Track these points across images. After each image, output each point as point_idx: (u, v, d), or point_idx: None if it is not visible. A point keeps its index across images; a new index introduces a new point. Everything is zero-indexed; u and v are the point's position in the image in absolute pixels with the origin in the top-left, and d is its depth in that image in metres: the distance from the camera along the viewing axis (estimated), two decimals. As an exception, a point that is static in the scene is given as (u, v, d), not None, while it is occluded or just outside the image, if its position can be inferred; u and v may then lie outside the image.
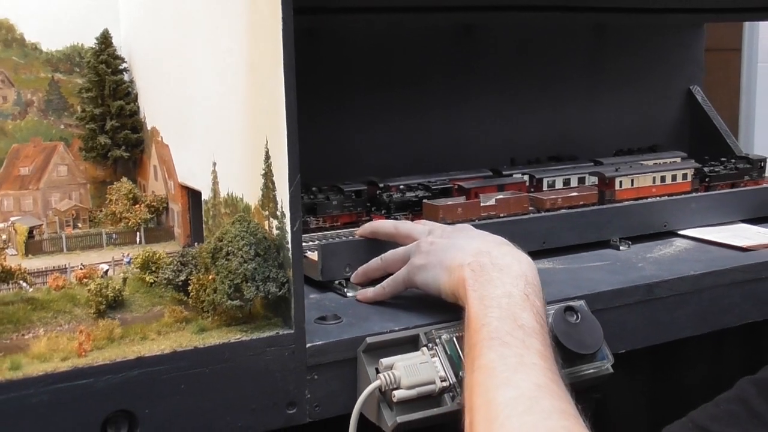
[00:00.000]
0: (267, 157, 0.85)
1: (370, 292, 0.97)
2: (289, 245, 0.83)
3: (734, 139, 1.60)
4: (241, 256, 0.82)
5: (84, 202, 1.16)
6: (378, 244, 1.03)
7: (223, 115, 0.94)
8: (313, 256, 1.02)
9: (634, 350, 1.05)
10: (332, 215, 1.17)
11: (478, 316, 0.81)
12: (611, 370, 0.95)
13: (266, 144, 0.85)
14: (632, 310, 1.05)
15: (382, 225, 1.03)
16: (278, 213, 0.84)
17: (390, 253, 0.98)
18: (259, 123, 0.86)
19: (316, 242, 1.07)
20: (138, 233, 1.05)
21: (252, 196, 0.89)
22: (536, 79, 1.51)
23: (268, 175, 0.86)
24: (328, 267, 1.01)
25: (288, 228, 0.83)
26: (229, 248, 0.83)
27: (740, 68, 2.31)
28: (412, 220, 1.15)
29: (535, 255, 0.97)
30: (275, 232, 0.85)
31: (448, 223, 1.10)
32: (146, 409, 0.78)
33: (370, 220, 1.17)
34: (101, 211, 1.12)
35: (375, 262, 1.00)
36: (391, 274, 0.96)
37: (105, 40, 1.13)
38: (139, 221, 1.07)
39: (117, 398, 0.77)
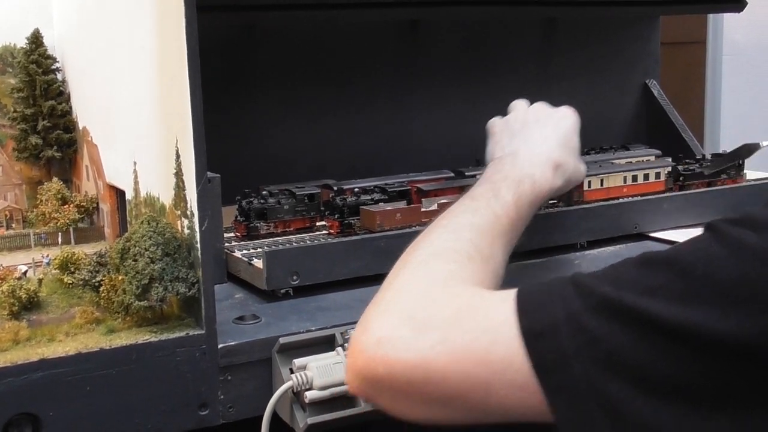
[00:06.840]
0: (177, 155, 0.84)
1: None
2: (198, 244, 0.82)
3: (691, 134, 1.58)
4: (148, 257, 0.81)
5: (19, 203, 1.15)
6: (326, 250, 1.00)
7: (140, 113, 0.93)
8: (258, 264, 0.99)
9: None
10: (284, 220, 1.13)
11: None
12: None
13: (176, 143, 0.84)
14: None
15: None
16: (188, 212, 0.84)
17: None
18: (170, 122, 0.86)
19: (262, 249, 1.02)
20: (59, 234, 1.04)
21: (167, 196, 0.89)
22: (486, 76, 1.49)
23: (179, 174, 0.85)
24: (274, 275, 0.97)
25: (197, 227, 0.82)
26: (137, 248, 0.82)
27: (705, 61, 2.29)
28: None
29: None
30: (186, 231, 0.85)
31: (387, 230, 1.07)
32: (50, 411, 0.77)
33: (324, 225, 1.14)
34: (33, 211, 1.11)
35: None
36: None
37: (36, 39, 1.12)
38: (68, 222, 1.06)
39: (19, 401, 0.76)
